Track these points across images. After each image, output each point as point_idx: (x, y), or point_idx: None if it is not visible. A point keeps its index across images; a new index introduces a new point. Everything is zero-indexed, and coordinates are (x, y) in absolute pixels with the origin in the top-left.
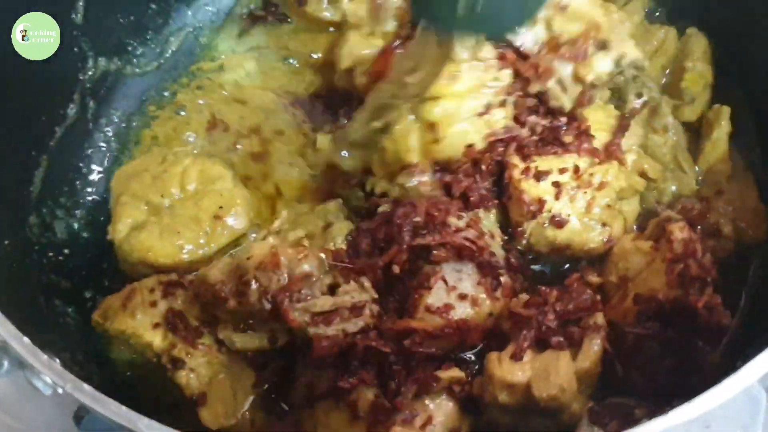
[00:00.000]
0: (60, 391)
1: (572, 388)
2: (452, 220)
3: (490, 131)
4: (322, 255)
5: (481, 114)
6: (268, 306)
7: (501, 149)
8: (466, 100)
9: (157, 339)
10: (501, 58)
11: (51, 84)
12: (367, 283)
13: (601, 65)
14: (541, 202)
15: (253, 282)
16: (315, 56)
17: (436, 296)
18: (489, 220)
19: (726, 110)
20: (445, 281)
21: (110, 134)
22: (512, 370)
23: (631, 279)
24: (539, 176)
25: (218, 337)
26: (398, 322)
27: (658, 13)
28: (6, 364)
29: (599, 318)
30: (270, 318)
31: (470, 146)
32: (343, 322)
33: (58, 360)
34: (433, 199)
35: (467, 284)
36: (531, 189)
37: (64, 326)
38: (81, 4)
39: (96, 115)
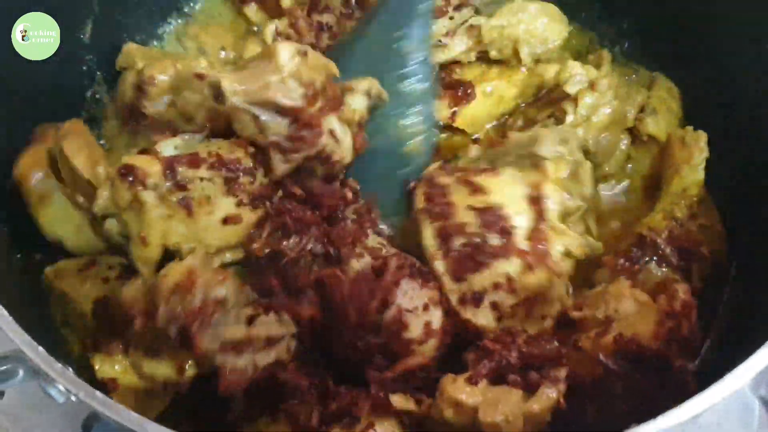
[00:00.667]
0: (73, 398)
1: (517, 424)
2: (355, 258)
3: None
4: (246, 285)
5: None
6: (175, 329)
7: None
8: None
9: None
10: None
11: (59, 102)
12: (286, 317)
13: (356, 103)
14: (485, 333)
15: (163, 302)
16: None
17: (414, 326)
18: (372, 240)
19: (703, 135)
20: (410, 310)
21: None
22: (464, 390)
23: (616, 320)
24: (477, 301)
25: (128, 360)
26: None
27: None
28: (21, 372)
29: (561, 372)
30: (178, 344)
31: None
32: (254, 352)
33: (70, 369)
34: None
35: (419, 295)
36: (473, 318)
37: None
38: (89, 25)
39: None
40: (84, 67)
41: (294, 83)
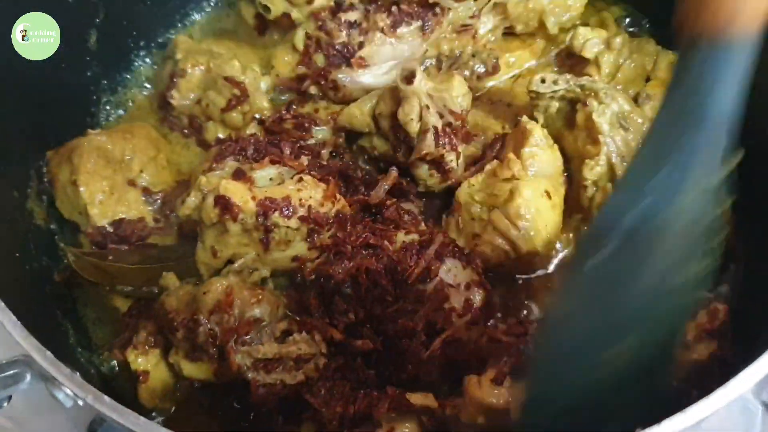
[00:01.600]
0: (80, 403)
1: None
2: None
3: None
4: (282, 300)
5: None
6: (214, 346)
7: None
8: None
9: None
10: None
11: (63, 107)
12: (318, 337)
13: None
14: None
15: (203, 320)
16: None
17: (455, 298)
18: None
19: None
20: (452, 285)
21: None
22: (492, 393)
23: None
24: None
25: (168, 360)
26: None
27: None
28: (28, 377)
29: None
30: (216, 357)
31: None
32: (283, 372)
33: (78, 373)
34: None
35: (462, 274)
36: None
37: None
38: (93, 31)
39: None
40: (89, 73)
41: None
